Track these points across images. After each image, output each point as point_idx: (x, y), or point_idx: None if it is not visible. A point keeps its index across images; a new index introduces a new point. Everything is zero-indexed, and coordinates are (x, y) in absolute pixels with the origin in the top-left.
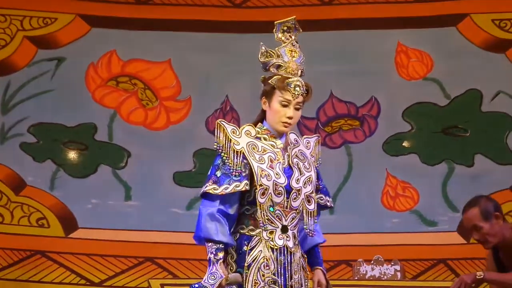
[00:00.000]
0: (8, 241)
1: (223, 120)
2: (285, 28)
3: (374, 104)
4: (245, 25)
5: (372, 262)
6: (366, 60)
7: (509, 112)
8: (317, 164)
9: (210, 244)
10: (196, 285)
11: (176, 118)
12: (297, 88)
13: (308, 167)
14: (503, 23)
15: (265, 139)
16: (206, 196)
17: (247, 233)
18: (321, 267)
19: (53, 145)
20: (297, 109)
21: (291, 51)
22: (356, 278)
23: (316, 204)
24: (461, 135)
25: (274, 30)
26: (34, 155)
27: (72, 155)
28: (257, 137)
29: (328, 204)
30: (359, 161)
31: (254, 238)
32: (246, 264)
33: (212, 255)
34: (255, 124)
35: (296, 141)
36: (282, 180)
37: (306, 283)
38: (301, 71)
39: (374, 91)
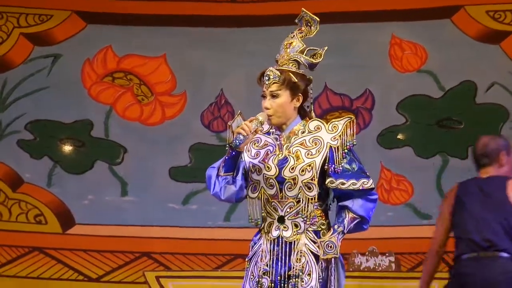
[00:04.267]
0: (7, 238)
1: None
2: (304, 21)
3: (368, 97)
4: (240, 20)
5: (367, 253)
6: (360, 53)
7: (503, 103)
8: (345, 146)
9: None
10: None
11: (171, 113)
12: (266, 77)
13: (314, 153)
14: (497, 15)
15: (272, 133)
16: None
17: (259, 228)
18: (332, 227)
19: (50, 142)
20: (274, 97)
21: (288, 43)
22: (351, 269)
23: (318, 190)
24: (456, 127)
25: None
26: (31, 152)
27: (69, 151)
28: (268, 132)
29: (343, 187)
30: None
31: (259, 233)
32: (247, 259)
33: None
34: None
35: (318, 128)
36: (273, 172)
37: (319, 267)
38: (295, 61)
39: (368, 83)
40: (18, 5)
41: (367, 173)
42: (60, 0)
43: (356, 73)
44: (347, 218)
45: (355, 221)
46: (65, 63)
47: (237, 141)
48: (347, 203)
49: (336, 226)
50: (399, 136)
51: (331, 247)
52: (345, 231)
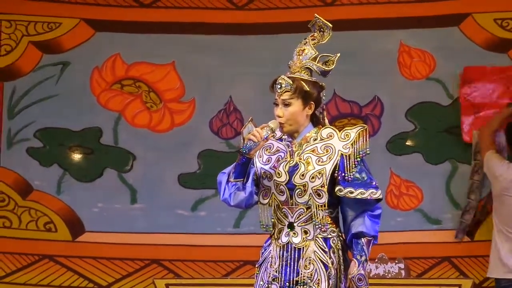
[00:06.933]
0: (17, 245)
1: None
2: (317, 27)
3: (377, 104)
4: (248, 27)
5: (376, 260)
6: (369, 60)
7: None
8: (357, 155)
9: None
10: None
11: (180, 120)
12: (278, 85)
13: (325, 160)
14: (505, 23)
15: (284, 139)
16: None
17: (270, 235)
18: (354, 258)
19: (59, 150)
20: (286, 105)
21: (300, 49)
22: None
23: (328, 197)
24: None
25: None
26: (40, 159)
27: (78, 159)
28: (280, 138)
29: (351, 196)
30: None
31: (270, 239)
32: (257, 266)
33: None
34: None
35: (330, 135)
36: (283, 178)
37: (327, 276)
38: (308, 68)
39: (377, 90)
40: (27, 13)
41: (376, 184)
42: (69, 8)
43: (365, 80)
44: (364, 245)
45: (371, 243)
46: (74, 70)
47: (247, 148)
48: (361, 228)
49: (358, 257)
50: (408, 143)
51: (361, 279)
52: (367, 258)
